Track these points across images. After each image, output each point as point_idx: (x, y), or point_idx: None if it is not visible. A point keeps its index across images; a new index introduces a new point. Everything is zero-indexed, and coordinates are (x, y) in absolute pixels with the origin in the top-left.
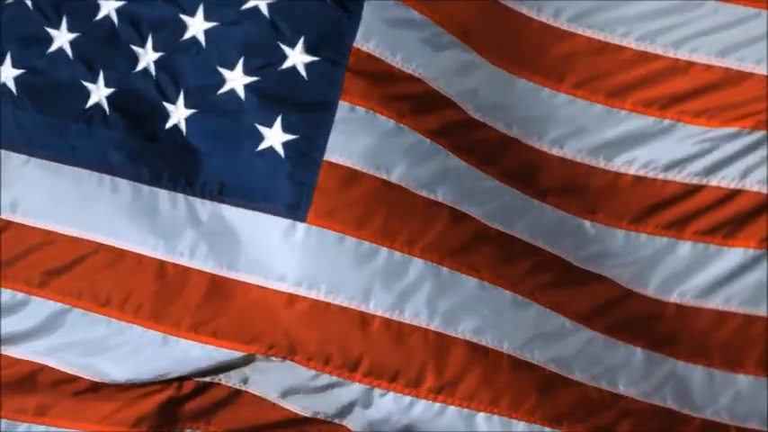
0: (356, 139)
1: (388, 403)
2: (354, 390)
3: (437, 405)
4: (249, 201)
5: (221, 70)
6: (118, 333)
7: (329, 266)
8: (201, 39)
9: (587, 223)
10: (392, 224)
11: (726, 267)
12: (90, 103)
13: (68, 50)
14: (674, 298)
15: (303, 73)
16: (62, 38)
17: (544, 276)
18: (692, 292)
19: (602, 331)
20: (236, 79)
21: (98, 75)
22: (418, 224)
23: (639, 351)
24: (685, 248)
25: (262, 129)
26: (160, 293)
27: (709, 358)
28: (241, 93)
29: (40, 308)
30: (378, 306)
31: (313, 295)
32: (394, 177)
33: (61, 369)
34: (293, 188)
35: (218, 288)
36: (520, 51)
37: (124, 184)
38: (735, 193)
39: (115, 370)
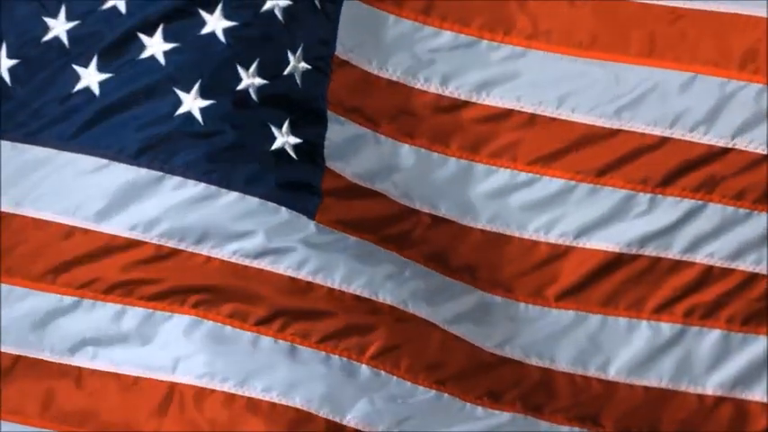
0: (342, 149)
1: (392, 388)
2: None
3: (433, 391)
4: (265, 194)
5: (239, 69)
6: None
7: (339, 262)
8: (221, 36)
9: (608, 188)
10: (386, 230)
11: (755, 231)
12: (79, 86)
13: (64, 38)
14: (700, 259)
15: (298, 81)
16: (59, 27)
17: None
18: (721, 254)
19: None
20: (250, 79)
21: (91, 60)
22: (405, 231)
23: (645, 324)
24: (715, 210)
25: (274, 129)
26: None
27: (730, 320)
28: (254, 93)
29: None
30: (386, 298)
31: (328, 284)
32: (378, 186)
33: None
34: (304, 187)
35: (241, 272)
36: (529, 27)
37: (123, 168)
38: (763, 159)
39: None
